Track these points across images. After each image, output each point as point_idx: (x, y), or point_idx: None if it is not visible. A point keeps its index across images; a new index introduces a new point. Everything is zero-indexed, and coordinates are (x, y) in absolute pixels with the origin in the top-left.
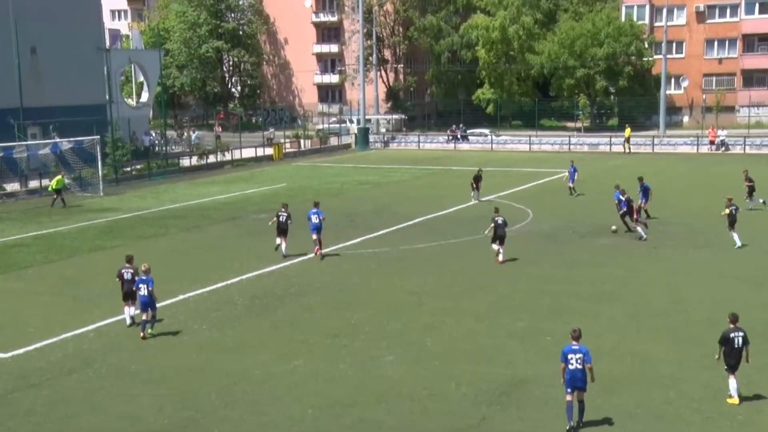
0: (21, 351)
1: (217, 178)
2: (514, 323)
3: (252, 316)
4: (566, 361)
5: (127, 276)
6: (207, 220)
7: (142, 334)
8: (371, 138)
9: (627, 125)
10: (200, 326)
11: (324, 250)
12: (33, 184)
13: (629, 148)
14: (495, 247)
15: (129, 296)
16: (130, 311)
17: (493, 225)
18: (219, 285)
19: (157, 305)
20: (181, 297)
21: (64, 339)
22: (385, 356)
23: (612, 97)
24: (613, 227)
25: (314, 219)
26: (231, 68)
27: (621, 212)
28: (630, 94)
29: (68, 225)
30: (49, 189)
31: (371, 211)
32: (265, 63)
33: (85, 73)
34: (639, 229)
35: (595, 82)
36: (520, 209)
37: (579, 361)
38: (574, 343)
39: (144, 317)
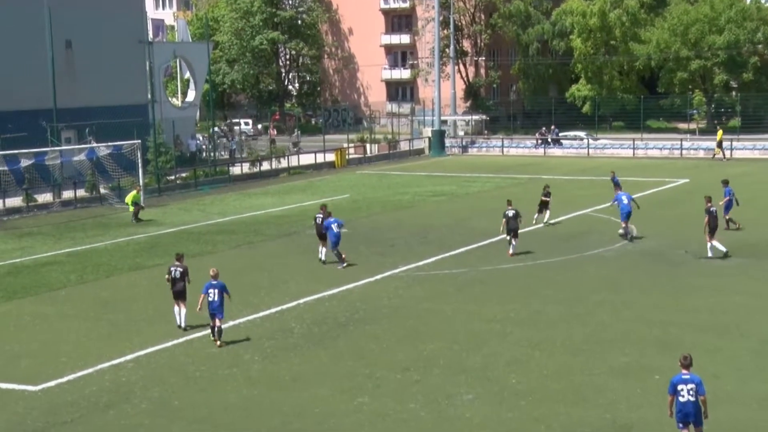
0: (52, 383)
1: (271, 188)
2: (616, 358)
3: (310, 346)
4: (675, 392)
5: (176, 274)
6: (259, 235)
7: (218, 343)
8: (447, 142)
9: (719, 127)
10: (252, 357)
11: (392, 271)
12: (67, 194)
13: (723, 154)
14: (508, 238)
15: (179, 295)
16: (180, 312)
17: (505, 219)
18: (273, 310)
19: (200, 334)
20: (231, 323)
21: (100, 370)
22: (462, 394)
23: (733, 93)
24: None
25: (335, 228)
26: (288, 62)
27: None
28: (756, 90)
29: (105, 241)
30: (126, 203)
31: (447, 226)
32: (326, 56)
33: (126, 69)
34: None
35: (713, 75)
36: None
37: (691, 392)
38: (684, 371)
39: (218, 323)
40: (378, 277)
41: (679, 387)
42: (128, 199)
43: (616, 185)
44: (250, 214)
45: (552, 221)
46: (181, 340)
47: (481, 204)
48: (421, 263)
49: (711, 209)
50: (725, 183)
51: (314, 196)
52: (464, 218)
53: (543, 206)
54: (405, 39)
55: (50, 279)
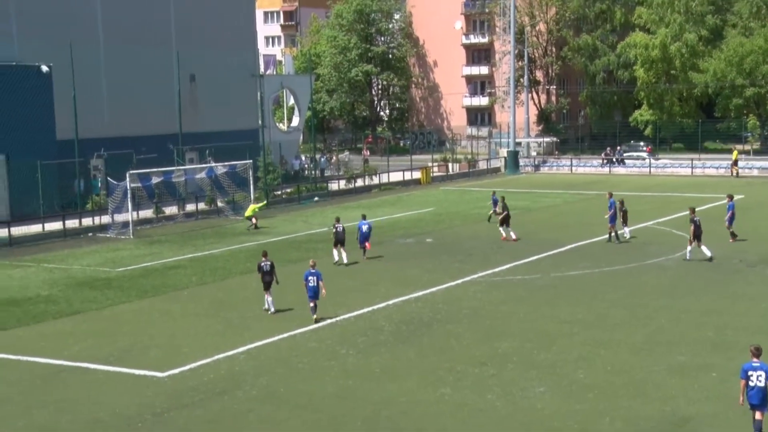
0: (176, 371)
1: (364, 201)
2: (674, 357)
3: (398, 343)
4: (747, 378)
5: (266, 268)
6: (353, 244)
7: (314, 316)
8: (521, 161)
9: (734, 148)
10: (347, 351)
11: (471, 277)
12: (190, 207)
13: (737, 172)
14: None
15: (269, 286)
16: (269, 299)
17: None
18: (365, 310)
19: (302, 330)
20: (329, 321)
21: (217, 360)
22: (534, 387)
23: None
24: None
25: (364, 228)
26: (380, 92)
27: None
28: None
29: (221, 248)
30: (245, 216)
31: (521, 236)
32: (413, 86)
33: (240, 98)
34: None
35: (767, 101)
36: (681, 236)
37: (761, 378)
38: (754, 360)
39: (312, 304)
40: (458, 281)
41: (750, 373)
42: (248, 211)
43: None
44: (346, 225)
45: (620, 233)
46: (285, 335)
47: (552, 217)
48: (497, 270)
49: (695, 219)
50: (730, 197)
51: (402, 209)
52: (536, 229)
53: (623, 220)
54: (484, 70)
55: (175, 281)
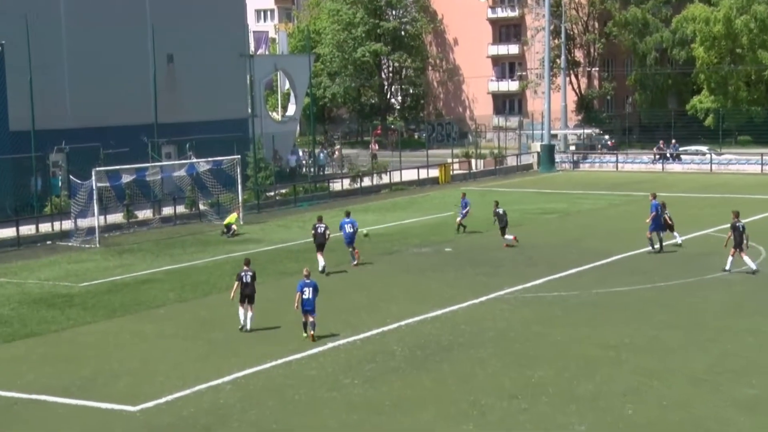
0: (150, 404)
1: (372, 204)
2: (742, 390)
3: (413, 370)
4: None
5: (247, 279)
6: (360, 254)
7: (312, 333)
8: (557, 157)
9: None
10: (352, 380)
11: (498, 293)
12: (167, 210)
13: None
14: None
15: (249, 299)
16: (247, 315)
17: (496, 218)
18: (374, 332)
19: (299, 355)
20: (330, 345)
21: (198, 391)
22: (574, 424)
23: None
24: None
25: (348, 229)
26: (391, 75)
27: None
28: None
29: (204, 258)
30: (224, 223)
31: (557, 245)
32: (430, 68)
33: (226, 83)
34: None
35: None
36: (749, 246)
37: None
38: None
39: (311, 319)
40: (483, 298)
41: None
42: (229, 219)
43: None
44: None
45: (671, 242)
46: (279, 361)
47: (594, 222)
48: (528, 285)
49: (737, 224)
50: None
51: (417, 213)
52: (575, 238)
53: (667, 226)
54: (513, 49)
55: (149, 297)
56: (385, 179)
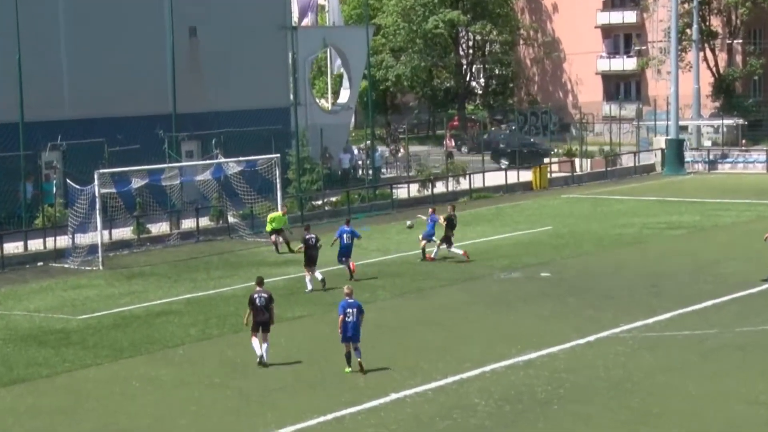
0: None
1: None
2: None
3: (499, 429)
4: None
5: (260, 302)
6: (432, 279)
7: (359, 361)
8: (687, 156)
9: None
10: None
11: (611, 331)
12: (187, 223)
13: None
14: (443, 247)
15: (264, 327)
16: (262, 345)
17: (446, 222)
18: (449, 380)
19: (354, 409)
20: (393, 396)
21: None
22: None
23: None
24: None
25: (347, 239)
26: (471, 51)
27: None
28: None
29: (234, 285)
30: (267, 230)
31: (687, 271)
32: (522, 42)
33: (263, 63)
34: None
35: None
36: None
37: None
38: None
39: (349, 350)
40: (591, 338)
41: None
42: (270, 222)
43: None
44: (419, 252)
45: None
46: (329, 417)
47: (735, 241)
48: (650, 321)
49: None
50: None
51: (505, 228)
52: (712, 260)
53: None
54: (630, 17)
55: (165, 333)
56: (464, 184)
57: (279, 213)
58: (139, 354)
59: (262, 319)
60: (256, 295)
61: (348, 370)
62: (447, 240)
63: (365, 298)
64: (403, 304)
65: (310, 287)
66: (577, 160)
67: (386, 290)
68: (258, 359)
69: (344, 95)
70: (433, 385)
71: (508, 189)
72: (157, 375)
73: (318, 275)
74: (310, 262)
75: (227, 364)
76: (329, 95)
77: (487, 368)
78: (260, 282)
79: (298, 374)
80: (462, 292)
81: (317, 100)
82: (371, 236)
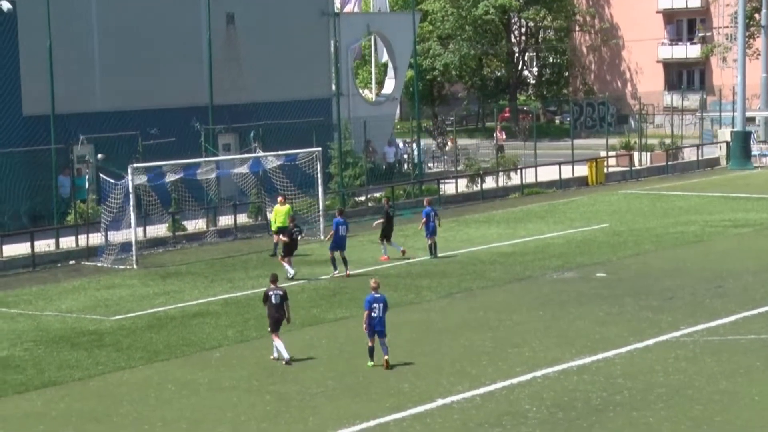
0: None
1: (497, 213)
2: None
3: None
4: None
5: (275, 300)
6: (481, 279)
7: (386, 358)
8: (755, 149)
9: None
10: None
11: (671, 335)
12: (224, 220)
13: None
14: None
15: (278, 325)
16: (280, 345)
17: (382, 219)
18: (499, 385)
19: (399, 415)
20: (440, 402)
21: None
22: None
23: None
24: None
25: (342, 231)
26: (524, 39)
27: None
28: None
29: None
30: (272, 227)
31: (753, 271)
32: (578, 29)
33: (303, 51)
34: None
35: None
36: None
37: None
38: None
39: (372, 344)
40: (650, 342)
41: None
42: (275, 218)
43: None
44: (468, 250)
45: None
46: (372, 423)
47: None
48: (713, 324)
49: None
50: None
51: (557, 225)
52: None
53: None
54: (693, 1)
55: (201, 335)
56: (515, 179)
57: (279, 206)
58: (174, 357)
59: (278, 316)
60: (271, 293)
61: (371, 364)
62: (386, 236)
63: (410, 298)
64: (451, 305)
65: (292, 272)
66: (636, 154)
67: (432, 291)
68: (284, 361)
69: (389, 85)
70: (482, 390)
71: (562, 184)
72: (193, 379)
73: (291, 270)
74: (290, 251)
75: (266, 367)
76: (373, 85)
77: (539, 373)
78: (274, 279)
79: (339, 378)
80: (512, 292)
81: (360, 91)
82: (416, 233)
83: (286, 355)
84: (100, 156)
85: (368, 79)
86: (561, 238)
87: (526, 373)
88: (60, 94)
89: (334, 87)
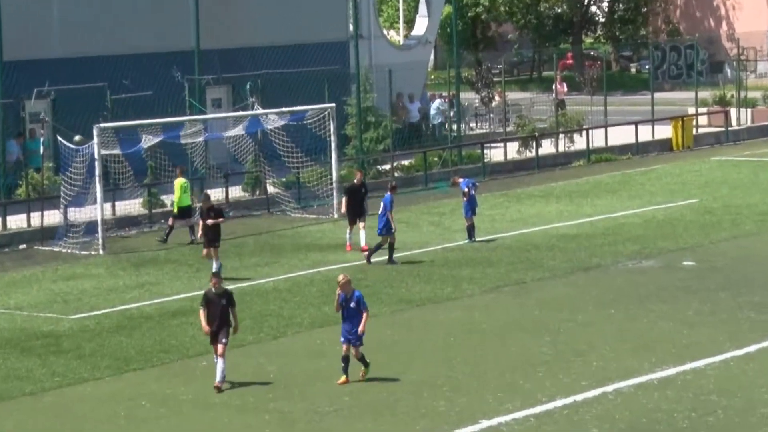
0: None
1: (557, 185)
2: None
3: None
4: None
5: (218, 302)
6: (536, 268)
7: (363, 371)
8: None
9: None
10: None
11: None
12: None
13: None
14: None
15: (215, 334)
16: (218, 364)
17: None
18: (558, 403)
19: None
20: (484, 424)
21: None
22: None
23: None
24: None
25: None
26: None
27: None
28: None
29: (275, 275)
30: (173, 208)
31: None
32: None
33: None
34: None
35: None
36: None
37: None
38: None
39: (358, 351)
40: (751, 348)
41: None
42: (178, 196)
43: None
44: (519, 232)
45: None
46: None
47: None
48: None
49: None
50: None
51: (634, 201)
52: None
53: None
54: None
55: (184, 339)
56: (580, 143)
57: (182, 181)
58: (150, 366)
59: (218, 324)
60: (211, 293)
61: (342, 378)
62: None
63: (447, 293)
64: (498, 301)
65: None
66: (733, 111)
67: (475, 283)
68: (216, 386)
69: (421, 25)
70: (538, 409)
71: (639, 149)
72: (173, 393)
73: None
74: (213, 242)
75: (264, 378)
76: (401, 25)
77: (610, 388)
78: (217, 277)
79: (357, 393)
80: (576, 285)
81: (385, 32)
82: (454, 213)
83: (218, 378)
84: (77, 138)
85: (395, 17)
86: (638, 216)
87: (593, 388)
88: (9, 37)
89: (351, 27)
